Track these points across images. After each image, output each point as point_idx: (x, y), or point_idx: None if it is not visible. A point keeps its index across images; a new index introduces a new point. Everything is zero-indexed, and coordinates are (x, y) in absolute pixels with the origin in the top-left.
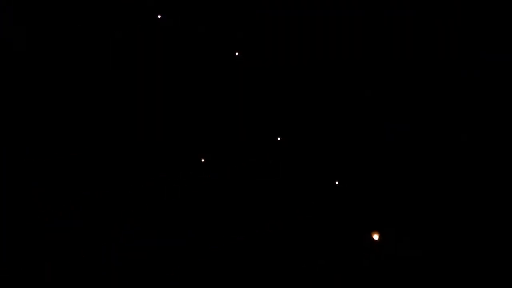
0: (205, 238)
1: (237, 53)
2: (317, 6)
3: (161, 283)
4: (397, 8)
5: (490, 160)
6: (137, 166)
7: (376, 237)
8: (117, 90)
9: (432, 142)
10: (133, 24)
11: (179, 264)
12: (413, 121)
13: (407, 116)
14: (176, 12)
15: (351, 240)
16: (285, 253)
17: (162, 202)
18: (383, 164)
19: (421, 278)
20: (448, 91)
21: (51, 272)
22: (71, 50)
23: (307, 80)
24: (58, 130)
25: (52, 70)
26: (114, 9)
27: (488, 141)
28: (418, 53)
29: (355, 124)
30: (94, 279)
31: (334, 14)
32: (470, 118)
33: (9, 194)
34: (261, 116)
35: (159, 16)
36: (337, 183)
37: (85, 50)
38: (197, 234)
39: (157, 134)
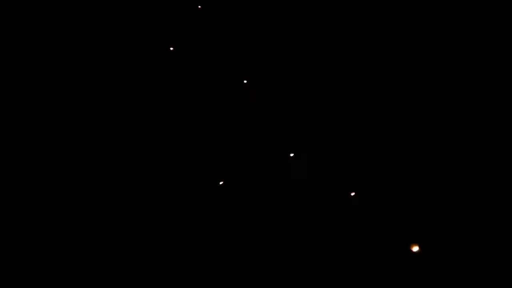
0: (205, 238)
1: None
2: (317, 6)
3: (161, 283)
4: (397, 8)
5: (490, 160)
6: (137, 166)
7: (415, 248)
8: (118, 90)
9: (432, 142)
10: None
11: (179, 264)
12: (413, 121)
13: (405, 117)
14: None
15: (352, 240)
16: (285, 253)
17: (162, 202)
18: (382, 164)
19: (421, 278)
20: (448, 91)
21: (51, 272)
22: (71, 50)
23: (306, 80)
24: (58, 130)
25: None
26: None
27: (488, 141)
28: (418, 53)
29: (354, 123)
30: (94, 278)
31: (334, 14)
32: (470, 118)
33: (9, 194)
34: (261, 116)
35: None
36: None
37: (85, 50)
38: (197, 234)
39: (158, 134)
